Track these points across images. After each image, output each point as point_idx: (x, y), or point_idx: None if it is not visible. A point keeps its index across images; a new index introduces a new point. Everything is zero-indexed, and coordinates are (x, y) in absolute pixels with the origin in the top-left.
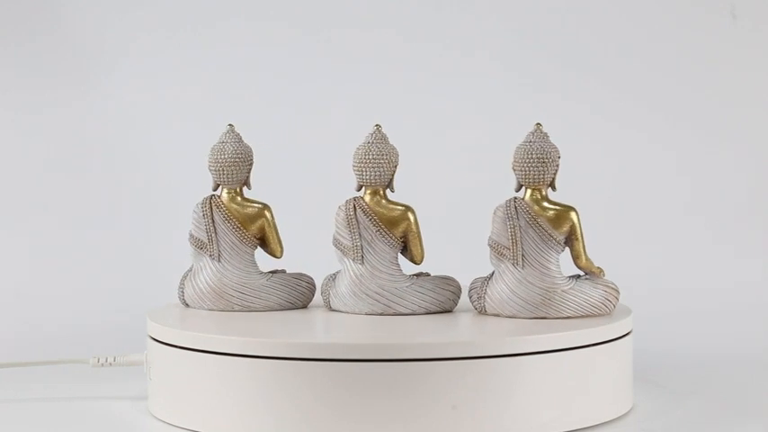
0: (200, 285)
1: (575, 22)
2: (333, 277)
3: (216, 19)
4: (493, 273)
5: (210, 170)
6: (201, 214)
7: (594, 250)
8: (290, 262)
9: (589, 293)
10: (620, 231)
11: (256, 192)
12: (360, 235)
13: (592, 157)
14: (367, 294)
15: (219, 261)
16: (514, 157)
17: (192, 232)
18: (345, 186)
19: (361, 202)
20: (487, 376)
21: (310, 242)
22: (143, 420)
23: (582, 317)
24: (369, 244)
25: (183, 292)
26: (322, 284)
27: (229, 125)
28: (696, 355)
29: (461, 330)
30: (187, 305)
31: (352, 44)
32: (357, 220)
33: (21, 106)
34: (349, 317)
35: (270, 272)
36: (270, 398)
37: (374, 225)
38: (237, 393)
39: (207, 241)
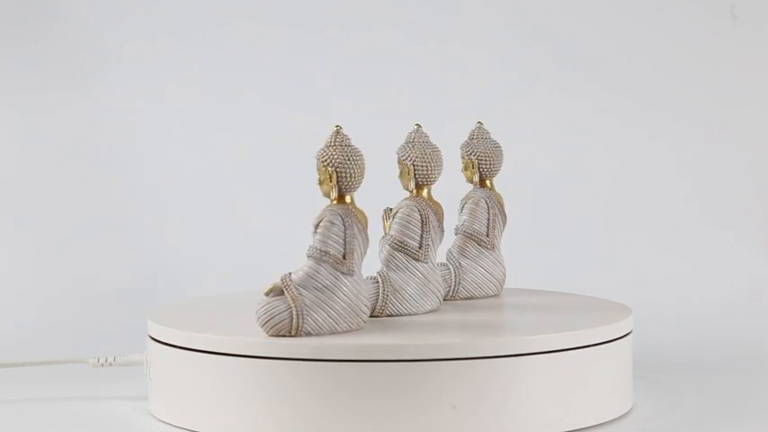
0: (337, 307)
1: (574, 21)
2: (386, 281)
3: (215, 20)
4: (458, 261)
5: (350, 175)
6: (347, 225)
7: (595, 249)
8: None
9: None
10: (620, 231)
11: (258, 192)
12: (429, 234)
13: (592, 157)
14: (432, 291)
15: (352, 276)
16: (480, 152)
17: (328, 249)
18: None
19: (428, 201)
20: (487, 376)
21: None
22: (143, 420)
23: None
24: (433, 242)
25: (311, 319)
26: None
27: (338, 126)
28: (696, 355)
29: (461, 330)
30: (303, 334)
31: (349, 44)
32: (429, 220)
33: (20, 107)
34: None
35: None
36: (270, 398)
37: (440, 223)
38: (237, 393)
39: (348, 256)
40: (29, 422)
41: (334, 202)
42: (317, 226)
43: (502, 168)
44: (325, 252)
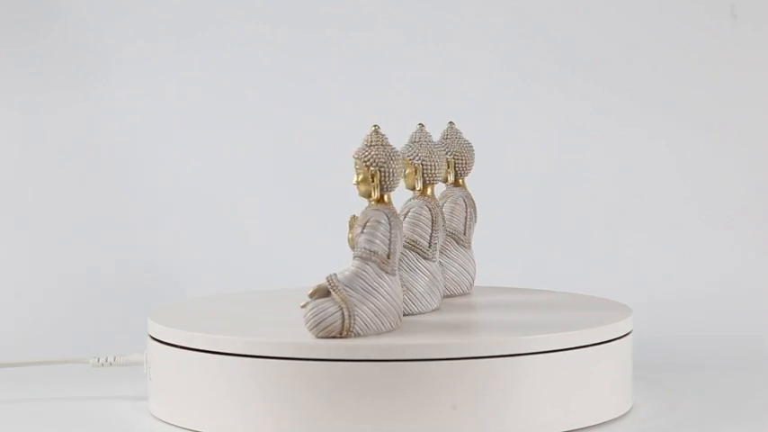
0: (382, 306)
1: (574, 20)
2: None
3: (216, 20)
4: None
5: (393, 174)
6: (393, 225)
7: (595, 249)
8: (302, 264)
9: None
10: (621, 231)
11: (259, 192)
12: (438, 233)
13: (592, 157)
14: (439, 289)
15: (394, 276)
16: (455, 151)
17: (375, 248)
18: (344, 187)
19: (435, 199)
20: (487, 376)
21: (311, 243)
22: (143, 420)
23: None
24: (439, 240)
25: (360, 319)
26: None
27: (376, 125)
28: (696, 355)
29: (461, 330)
30: (353, 335)
31: (349, 44)
32: (438, 218)
33: (20, 107)
34: None
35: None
36: (270, 398)
37: (443, 221)
38: (237, 393)
39: (392, 256)
40: (29, 422)
41: (373, 202)
42: (363, 226)
43: (502, 167)
44: (374, 252)
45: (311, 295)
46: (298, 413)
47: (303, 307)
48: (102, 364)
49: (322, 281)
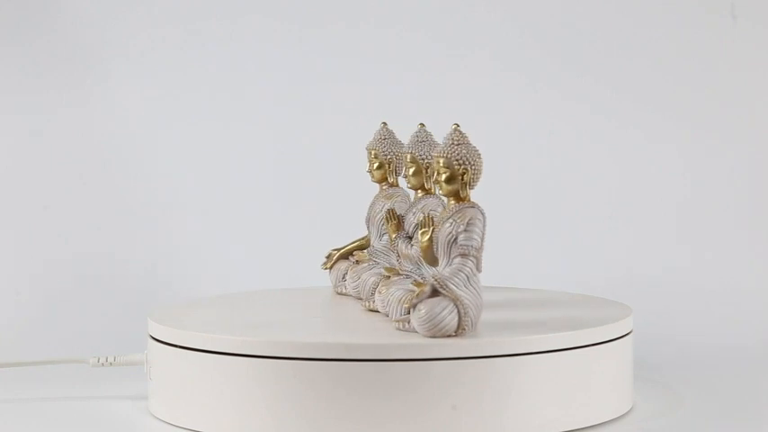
0: (479, 302)
1: (574, 21)
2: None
3: (219, 19)
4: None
5: (477, 172)
6: (485, 224)
7: (595, 249)
8: (301, 264)
9: None
10: (621, 231)
11: (259, 192)
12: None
13: (592, 157)
14: None
15: (481, 271)
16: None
17: (476, 245)
18: (349, 189)
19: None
20: (487, 376)
21: (317, 246)
22: (143, 420)
23: None
24: None
25: (469, 318)
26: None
27: (456, 124)
28: (696, 354)
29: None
30: (464, 333)
31: (349, 44)
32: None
33: (20, 107)
34: (351, 316)
35: None
36: (270, 398)
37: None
38: (237, 393)
39: (482, 251)
40: (29, 422)
41: (452, 201)
42: (466, 224)
43: (501, 167)
44: (476, 249)
45: (417, 296)
46: (298, 413)
47: (412, 308)
48: (102, 364)
49: (427, 282)
